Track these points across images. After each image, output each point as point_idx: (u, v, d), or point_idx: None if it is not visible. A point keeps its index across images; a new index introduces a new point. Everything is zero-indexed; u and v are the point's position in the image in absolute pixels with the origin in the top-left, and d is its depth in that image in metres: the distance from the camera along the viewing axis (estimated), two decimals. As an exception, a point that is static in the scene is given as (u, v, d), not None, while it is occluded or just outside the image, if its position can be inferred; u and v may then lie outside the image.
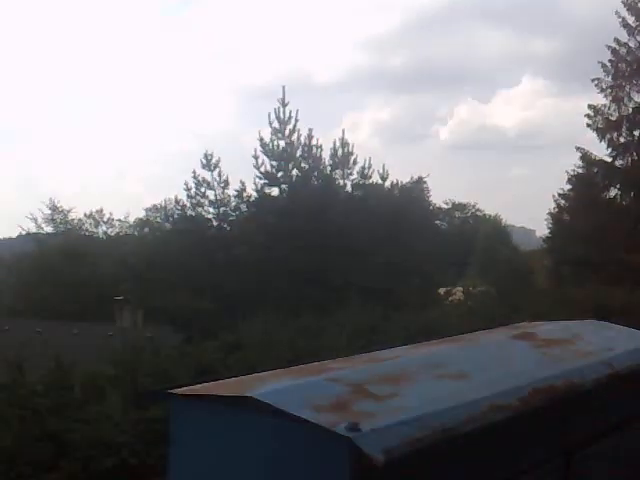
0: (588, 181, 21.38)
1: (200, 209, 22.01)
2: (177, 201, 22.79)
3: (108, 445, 4.50)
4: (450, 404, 1.93)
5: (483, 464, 2.00)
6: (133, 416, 4.76)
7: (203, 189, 21.45)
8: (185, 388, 2.06)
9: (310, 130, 20.90)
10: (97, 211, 39.35)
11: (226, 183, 21.35)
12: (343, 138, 21.36)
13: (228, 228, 22.24)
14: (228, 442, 1.98)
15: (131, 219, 40.73)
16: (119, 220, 40.38)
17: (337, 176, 21.31)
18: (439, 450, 1.83)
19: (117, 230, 40.60)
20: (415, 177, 23.78)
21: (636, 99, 21.13)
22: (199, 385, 2.07)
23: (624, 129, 20.74)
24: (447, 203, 46.85)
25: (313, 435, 1.75)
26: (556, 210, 25.18)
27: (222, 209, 21.71)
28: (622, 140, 20.78)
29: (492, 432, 1.96)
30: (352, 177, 21.44)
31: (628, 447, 2.63)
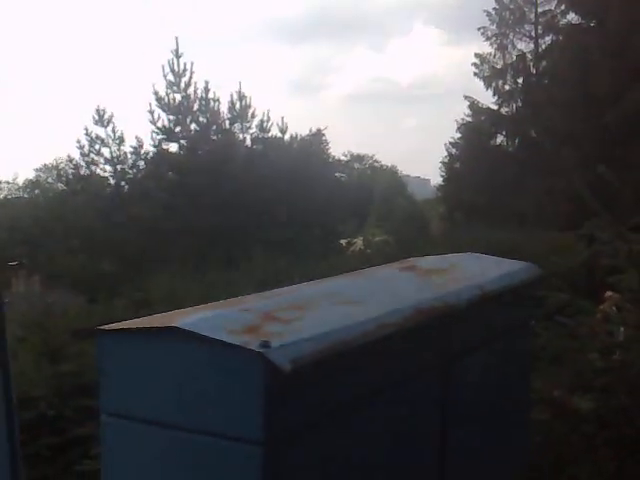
0: (476, 129, 22.43)
1: (95, 167, 21.43)
2: (70, 160, 22.10)
3: (25, 400, 4.62)
4: (346, 323, 2.26)
5: (375, 371, 2.36)
6: (47, 372, 4.89)
7: (97, 146, 20.88)
8: (112, 324, 2.27)
9: (207, 83, 20.68)
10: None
11: (121, 139, 20.87)
12: (240, 91, 21.30)
13: (126, 187, 21.83)
14: (153, 370, 2.21)
15: (20, 180, 39.03)
16: (7, 182, 38.61)
17: (236, 130, 21.30)
18: (337, 360, 2.17)
19: (5, 193, 38.76)
20: (314, 129, 24.08)
21: (519, 47, 22.15)
22: (126, 322, 2.29)
23: (509, 77, 21.83)
24: (346, 155, 47.66)
25: (230, 354, 2.03)
26: (448, 159, 26.27)
27: (119, 167, 21.25)
28: (507, 88, 21.87)
29: (381, 345, 2.32)
30: (251, 131, 21.51)
31: (497, 356, 3.09)
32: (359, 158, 50.47)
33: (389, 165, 46.52)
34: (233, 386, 2.06)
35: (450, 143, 25.56)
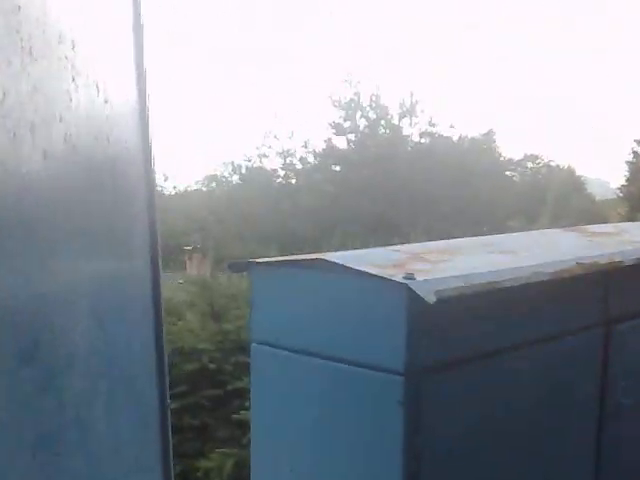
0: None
1: (266, 160, 22.48)
2: (245, 154, 23.35)
3: (189, 353, 4.95)
4: (496, 267, 2.18)
5: (526, 321, 2.26)
6: (210, 330, 5.21)
7: (270, 141, 21.91)
8: (264, 258, 2.37)
9: (378, 80, 20.95)
10: (167, 166, 40.58)
11: (292, 134, 21.73)
12: (410, 87, 21.31)
13: (294, 178, 22.67)
14: (300, 300, 2.27)
15: (202, 175, 41.87)
16: (188, 176, 41.51)
17: (404, 125, 21.38)
18: (484, 302, 2.10)
19: (185, 185, 41.77)
20: (486, 129, 23.55)
21: None
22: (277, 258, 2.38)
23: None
24: (519, 155, 45.94)
25: (374, 285, 2.04)
26: (633, 157, 24.52)
27: (288, 159, 22.13)
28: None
29: (534, 293, 2.20)
30: (419, 126, 21.47)
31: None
32: (533, 157, 48.44)
33: (566, 166, 44.15)
34: (376, 317, 2.06)
35: (635, 141, 23.90)
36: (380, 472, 2.02)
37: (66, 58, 1.44)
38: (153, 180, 2.35)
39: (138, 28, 2.11)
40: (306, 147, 21.97)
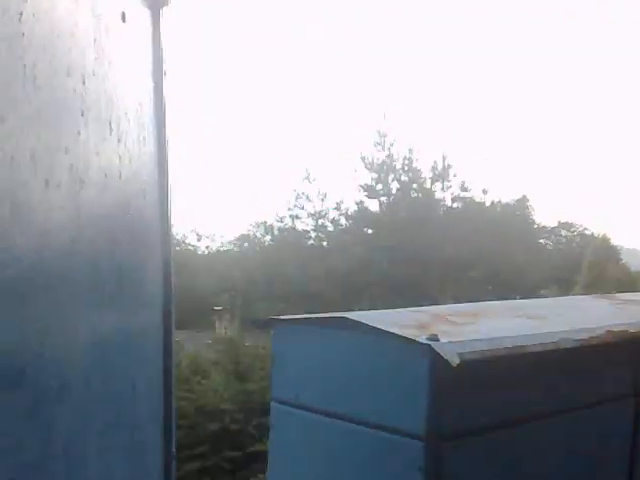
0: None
1: (298, 221, 22.67)
2: (277, 214, 23.59)
3: (212, 413, 4.89)
4: (523, 332, 2.13)
5: (555, 389, 2.19)
6: (233, 389, 5.16)
7: (301, 202, 22.14)
8: (288, 317, 2.36)
9: (410, 143, 21.18)
10: (200, 226, 41.07)
11: (325, 195, 21.94)
12: (443, 151, 21.49)
13: (325, 240, 22.77)
14: (322, 358, 2.24)
15: (233, 235, 42.27)
16: (220, 236, 41.92)
17: (436, 189, 21.46)
18: (511, 367, 2.04)
19: (217, 245, 42.09)
20: (520, 195, 23.52)
21: None
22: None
23: None
24: (553, 222, 45.60)
25: (397, 345, 2.00)
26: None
27: (320, 221, 22.29)
28: None
29: (561, 359, 2.14)
30: (451, 190, 21.55)
31: None
32: (567, 225, 48.01)
33: (601, 234, 43.57)
34: (398, 378, 2.02)
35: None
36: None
37: (74, 91, 1.42)
38: (169, 227, 2.34)
39: (159, 72, 2.12)
40: (338, 209, 22.14)
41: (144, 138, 1.85)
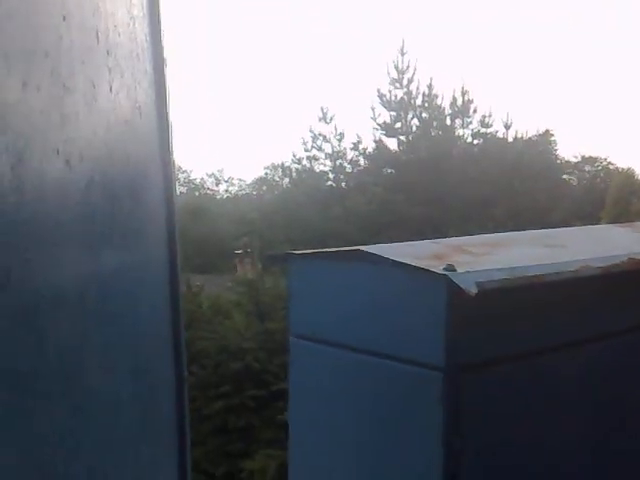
0: None
1: (316, 163, 22.48)
2: (294, 156, 23.37)
3: (235, 352, 4.95)
4: (543, 261, 2.08)
5: (572, 319, 2.16)
6: (255, 329, 5.20)
7: (319, 142, 21.87)
8: (302, 251, 2.34)
9: (431, 79, 20.71)
10: (218, 170, 41.05)
11: (342, 136, 21.65)
12: (463, 86, 21.03)
13: (344, 181, 22.59)
14: (338, 292, 2.22)
15: (251, 177, 42.23)
16: (238, 179, 41.88)
17: (457, 126, 21.06)
18: (528, 296, 2.01)
19: (236, 189, 42.06)
20: (542, 129, 23.05)
21: None
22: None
23: None
24: (576, 157, 44.84)
25: (413, 276, 1.97)
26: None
27: (338, 162, 22.07)
28: None
29: (582, 288, 2.10)
30: (472, 126, 21.13)
31: None
32: (591, 160, 47.21)
33: (625, 168, 42.87)
34: (416, 310, 2.00)
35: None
36: (419, 470, 1.96)
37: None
38: (170, 152, 2.25)
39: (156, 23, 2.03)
40: (356, 149, 21.88)
41: (137, 55, 1.79)
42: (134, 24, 1.74)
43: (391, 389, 2.02)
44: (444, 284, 1.86)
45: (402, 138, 21.06)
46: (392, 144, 21.30)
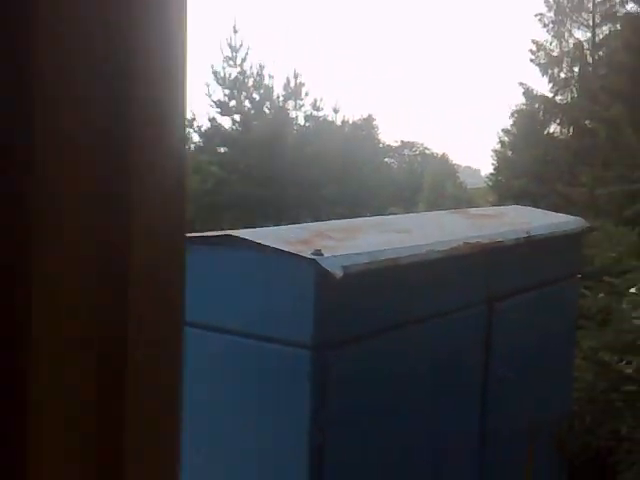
0: (530, 116, 22.05)
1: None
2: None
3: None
4: (395, 246, 2.34)
5: (422, 297, 2.43)
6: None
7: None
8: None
9: (262, 60, 20.85)
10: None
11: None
12: (295, 69, 21.41)
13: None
14: (210, 277, 2.32)
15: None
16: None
17: (290, 107, 21.39)
18: (386, 278, 2.25)
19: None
20: (365, 115, 24.06)
21: (576, 35, 21.75)
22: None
23: (565, 65, 21.38)
24: (396, 141, 47.38)
25: (283, 261, 2.13)
26: (500, 146, 25.94)
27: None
28: (563, 76, 21.46)
29: (429, 270, 2.38)
30: (304, 109, 21.58)
31: (542, 304, 3.13)
32: (409, 145, 50.04)
33: (440, 153, 46.09)
34: (285, 292, 2.16)
35: (502, 130, 25.29)
36: (287, 444, 2.13)
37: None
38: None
39: None
40: (191, 126, 21.51)
41: None
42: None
43: (263, 368, 2.17)
44: (313, 268, 2.04)
45: (236, 117, 21.02)
46: (227, 123, 21.18)
